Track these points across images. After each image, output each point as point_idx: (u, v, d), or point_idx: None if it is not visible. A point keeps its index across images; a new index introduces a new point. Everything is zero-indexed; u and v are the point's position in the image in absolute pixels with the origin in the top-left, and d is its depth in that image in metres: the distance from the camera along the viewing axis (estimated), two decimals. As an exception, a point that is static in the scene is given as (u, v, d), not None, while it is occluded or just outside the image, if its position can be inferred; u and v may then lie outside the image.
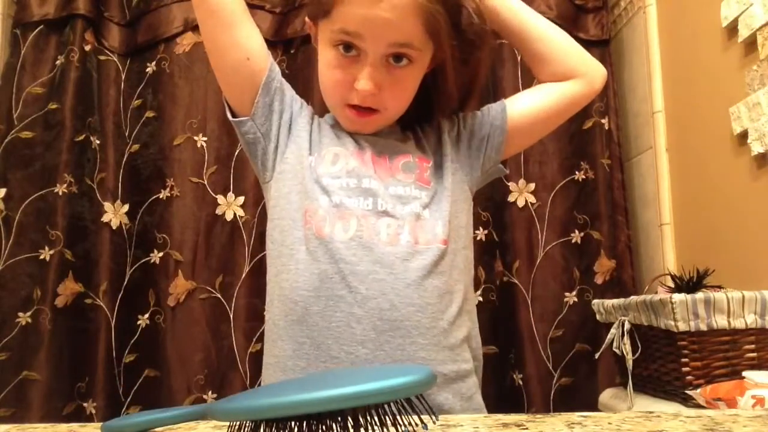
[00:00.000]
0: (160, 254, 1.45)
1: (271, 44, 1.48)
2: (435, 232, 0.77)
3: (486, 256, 1.47)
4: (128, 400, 1.42)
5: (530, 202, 1.49)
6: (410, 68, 0.78)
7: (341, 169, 0.79)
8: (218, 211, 1.46)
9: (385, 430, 0.36)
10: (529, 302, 1.45)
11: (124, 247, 1.47)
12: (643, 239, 1.54)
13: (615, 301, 1.15)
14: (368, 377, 0.35)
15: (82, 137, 1.46)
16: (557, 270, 1.47)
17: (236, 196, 1.47)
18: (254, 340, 1.41)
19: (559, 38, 0.90)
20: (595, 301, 1.25)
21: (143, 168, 1.49)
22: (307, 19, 0.86)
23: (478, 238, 1.46)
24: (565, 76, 0.88)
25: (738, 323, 0.93)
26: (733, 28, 1.17)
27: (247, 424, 0.38)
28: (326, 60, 0.79)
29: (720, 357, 0.94)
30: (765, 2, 1.07)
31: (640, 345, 1.06)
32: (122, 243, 1.46)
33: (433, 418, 0.39)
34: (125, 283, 1.46)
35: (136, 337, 1.44)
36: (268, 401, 0.35)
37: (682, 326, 0.92)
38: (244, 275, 1.43)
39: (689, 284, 1.01)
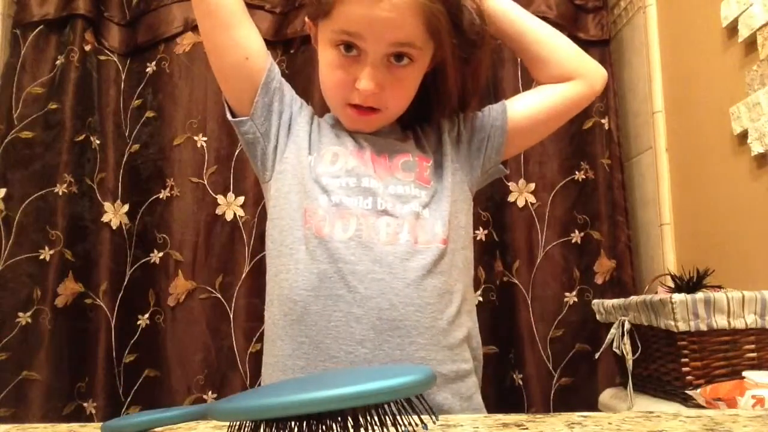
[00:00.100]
0: (160, 254, 1.45)
1: (271, 44, 1.48)
2: (434, 231, 0.77)
3: (486, 256, 1.47)
4: (128, 400, 1.42)
5: (530, 202, 1.49)
6: (411, 67, 0.78)
7: (341, 169, 0.79)
8: (218, 211, 1.46)
9: (385, 430, 0.36)
10: (529, 302, 1.45)
11: (124, 247, 1.47)
12: (643, 239, 1.54)
13: (615, 301, 1.15)
14: (368, 377, 0.35)
15: (82, 137, 1.46)
16: (557, 270, 1.47)
17: (236, 196, 1.47)
18: (254, 340, 1.41)
19: (557, 40, 0.90)
20: (595, 301, 1.25)
21: (143, 168, 1.49)
22: (307, 19, 0.86)
23: (478, 238, 1.46)
24: (564, 77, 0.88)
25: (738, 323, 0.93)
26: (733, 28, 1.17)
27: (247, 424, 0.38)
28: (327, 60, 0.79)
29: (720, 357, 0.94)
30: (765, 2, 1.07)
31: (640, 345, 1.06)
32: (122, 243, 1.46)
33: (433, 418, 0.39)
34: (125, 283, 1.46)
35: (136, 337, 1.44)
36: (268, 401, 0.35)
37: (682, 326, 0.92)
38: (244, 275, 1.43)
39: (689, 284, 1.01)
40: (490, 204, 1.49)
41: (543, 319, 1.45)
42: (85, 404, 1.38)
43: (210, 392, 1.40)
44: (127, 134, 1.51)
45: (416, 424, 0.37)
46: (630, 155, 1.60)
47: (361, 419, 0.36)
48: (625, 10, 1.61)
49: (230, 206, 1.46)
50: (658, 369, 1.03)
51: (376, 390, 0.34)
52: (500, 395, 1.42)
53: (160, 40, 1.51)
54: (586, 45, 1.50)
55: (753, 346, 0.94)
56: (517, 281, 1.46)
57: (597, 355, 1.22)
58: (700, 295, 0.93)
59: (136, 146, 1.50)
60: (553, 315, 1.46)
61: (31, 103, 1.47)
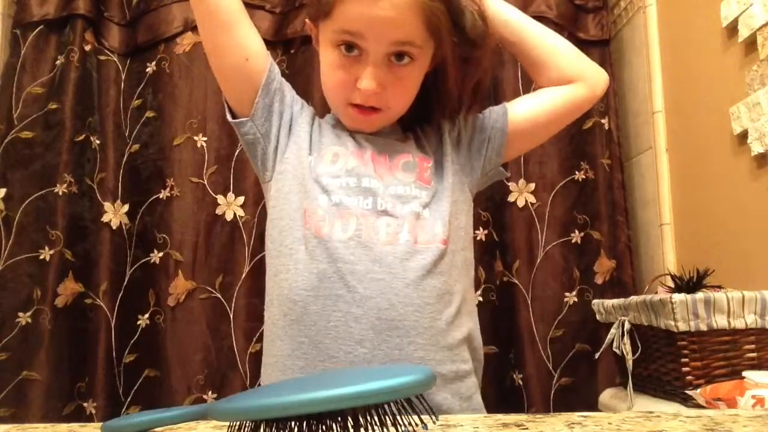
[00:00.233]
0: (160, 254, 1.45)
1: (271, 44, 1.48)
2: (434, 232, 0.77)
3: (486, 256, 1.47)
4: (128, 400, 1.42)
5: (530, 202, 1.49)
6: (412, 66, 0.78)
7: (341, 169, 0.79)
8: (218, 211, 1.46)
9: (385, 430, 0.36)
10: (529, 302, 1.45)
11: (124, 247, 1.46)
12: (643, 239, 1.54)
13: (615, 301, 1.15)
14: (368, 377, 0.35)
15: (82, 137, 1.46)
16: (557, 270, 1.47)
17: (236, 196, 1.47)
18: (254, 340, 1.41)
19: (557, 44, 0.90)
20: (595, 301, 1.25)
21: (143, 168, 1.49)
22: (307, 20, 0.86)
23: (478, 238, 1.46)
24: (564, 80, 0.88)
25: (738, 323, 0.93)
26: (733, 28, 1.17)
27: (247, 424, 0.38)
28: (328, 61, 0.79)
29: (720, 357, 0.94)
30: (765, 2, 1.07)
31: (640, 345, 1.06)
32: (122, 243, 1.46)
33: (433, 418, 0.39)
34: (125, 283, 1.46)
35: (136, 337, 1.44)
36: (268, 401, 0.35)
37: (682, 326, 0.92)
38: (244, 275, 1.43)
39: (689, 284, 1.01)
40: (490, 204, 1.49)
41: (543, 319, 1.45)
42: (85, 404, 1.38)
43: (210, 392, 1.40)
44: (127, 134, 1.51)
45: (416, 424, 0.37)
46: (630, 155, 1.60)
47: (361, 419, 0.36)
48: (625, 10, 1.61)
49: (230, 206, 1.46)
50: (658, 369, 1.03)
51: (376, 390, 0.34)
52: (500, 395, 1.42)
53: (160, 40, 1.51)
54: (586, 45, 1.50)
55: (753, 346, 0.94)
56: (517, 281, 1.46)
57: (597, 355, 1.22)
58: (700, 295, 0.93)
59: (136, 146, 1.50)
60: (553, 315, 1.46)
61: (31, 103, 1.47)
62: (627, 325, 1.08)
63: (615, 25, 1.65)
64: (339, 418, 0.36)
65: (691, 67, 1.34)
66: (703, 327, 0.92)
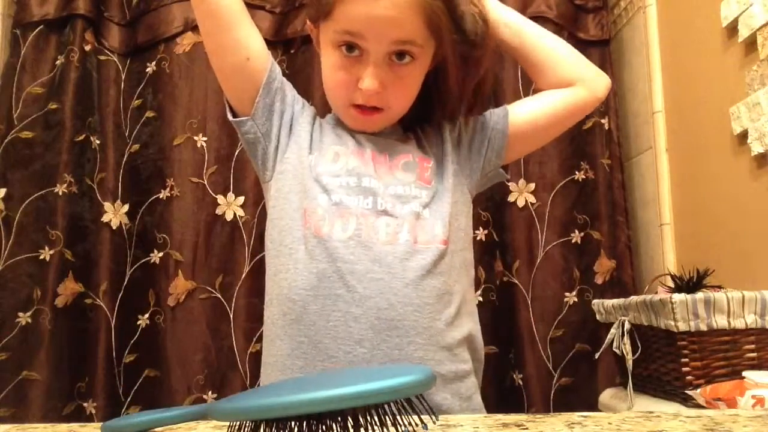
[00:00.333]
0: (160, 254, 1.45)
1: (271, 44, 1.48)
2: (434, 232, 0.77)
3: (486, 256, 1.47)
4: (128, 400, 1.42)
5: (530, 202, 1.49)
6: (413, 65, 0.78)
7: (341, 168, 0.79)
8: (218, 211, 1.46)
9: (385, 430, 0.36)
10: (529, 302, 1.45)
11: (124, 247, 1.47)
12: (643, 239, 1.54)
13: (615, 301, 1.15)
14: (368, 377, 0.35)
15: (82, 137, 1.46)
16: (557, 270, 1.47)
17: (236, 196, 1.47)
18: (254, 340, 1.41)
19: (557, 47, 0.90)
20: (595, 301, 1.25)
21: (143, 168, 1.49)
22: (308, 22, 0.86)
23: (478, 238, 1.46)
24: (564, 83, 0.88)
25: (738, 323, 0.93)
26: (733, 28, 1.17)
27: (247, 424, 0.38)
28: (330, 62, 0.80)
29: (720, 357, 0.94)
30: (765, 2, 1.07)
31: (640, 345, 1.06)
32: (122, 243, 1.46)
33: (433, 418, 0.39)
34: (125, 283, 1.46)
35: (136, 337, 1.44)
36: (268, 401, 0.35)
37: (682, 326, 0.92)
38: (244, 275, 1.43)
39: (689, 284, 1.01)
40: (490, 204, 1.49)
41: (543, 319, 1.45)
42: (85, 404, 1.38)
43: (210, 392, 1.40)
44: (127, 134, 1.51)
45: (416, 424, 0.37)
46: (630, 155, 1.60)
47: (361, 419, 0.36)
48: (625, 10, 1.61)
49: (230, 206, 1.46)
50: (658, 369, 1.03)
51: (376, 390, 0.34)
52: (500, 395, 1.42)
53: (160, 40, 1.51)
54: (586, 45, 1.50)
55: (753, 346, 0.94)
56: (517, 281, 1.46)
57: (597, 355, 1.22)
58: (700, 295, 0.93)
59: (136, 146, 1.50)
60: (553, 315, 1.46)
61: (31, 103, 1.47)
62: (627, 325, 1.08)
63: (615, 25, 1.65)
64: (339, 418, 0.36)
65: (691, 67, 1.34)
66: (703, 327, 0.92)
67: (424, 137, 0.87)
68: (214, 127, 1.48)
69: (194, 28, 1.48)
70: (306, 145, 0.82)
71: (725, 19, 1.18)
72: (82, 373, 1.40)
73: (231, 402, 0.39)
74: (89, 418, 1.37)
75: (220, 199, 1.47)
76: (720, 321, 0.92)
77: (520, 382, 1.43)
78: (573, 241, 1.49)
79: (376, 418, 0.36)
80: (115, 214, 1.47)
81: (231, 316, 1.43)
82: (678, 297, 0.93)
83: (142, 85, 1.53)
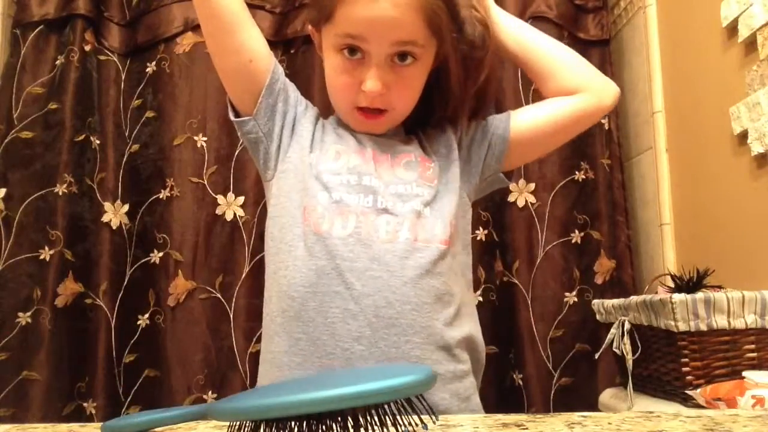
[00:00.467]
0: (160, 254, 1.45)
1: (272, 44, 1.45)
2: (435, 231, 0.77)
3: (486, 256, 1.47)
4: (128, 400, 1.42)
5: (530, 202, 1.49)
6: (415, 66, 0.78)
7: (342, 166, 0.79)
8: (218, 211, 1.46)
9: (385, 430, 0.36)
10: (529, 302, 1.45)
11: (124, 247, 1.47)
12: (643, 239, 1.54)
13: (615, 301, 1.15)
14: (368, 377, 0.35)
15: (82, 137, 1.46)
16: (557, 270, 1.47)
17: (236, 196, 1.47)
18: (254, 340, 1.41)
19: (562, 54, 0.90)
20: (595, 301, 1.25)
21: (143, 168, 1.49)
22: (309, 27, 0.87)
23: (478, 238, 1.46)
24: (569, 90, 0.87)
25: (738, 323, 0.93)
26: (733, 28, 1.17)
27: (247, 424, 0.38)
28: (332, 66, 0.80)
29: (720, 357, 0.94)
30: (765, 2, 1.07)
31: (640, 345, 1.06)
32: (122, 243, 1.46)
33: (433, 418, 0.39)
34: (125, 283, 1.46)
35: (136, 337, 1.44)
36: (268, 401, 0.35)
37: (682, 326, 0.92)
38: (244, 275, 1.43)
39: (689, 284, 1.01)
40: (490, 204, 1.49)
41: (543, 319, 1.45)
42: (85, 404, 1.38)
43: (210, 392, 1.40)
44: (127, 134, 1.51)
45: (416, 424, 0.37)
46: (630, 155, 1.60)
47: (361, 419, 0.36)
48: (625, 10, 1.61)
49: (230, 206, 1.46)
50: (658, 369, 1.03)
51: (376, 390, 0.34)
52: (500, 395, 1.42)
53: (160, 40, 1.51)
54: (585, 45, 1.51)
55: (753, 346, 0.94)
56: (517, 281, 1.46)
57: (597, 355, 1.22)
58: (700, 295, 0.93)
59: (136, 146, 1.50)
60: (553, 315, 1.45)
61: (31, 103, 1.47)
62: (627, 325, 1.08)
63: (615, 25, 1.65)
64: (339, 418, 0.36)
65: (691, 67, 1.34)
66: (703, 327, 0.92)
67: (426, 139, 0.87)
68: (214, 127, 1.48)
69: (194, 28, 1.48)
70: (307, 144, 0.82)
71: (725, 19, 1.18)
72: (82, 373, 1.40)
73: (231, 402, 0.39)
74: (89, 418, 1.37)
75: (220, 199, 1.46)
76: (720, 321, 0.92)
77: (520, 382, 1.43)
78: (573, 241, 1.49)
79: (376, 418, 0.36)
80: (115, 214, 1.47)
81: (231, 316, 1.43)
82: (678, 297, 0.93)
83: (142, 85, 1.53)
